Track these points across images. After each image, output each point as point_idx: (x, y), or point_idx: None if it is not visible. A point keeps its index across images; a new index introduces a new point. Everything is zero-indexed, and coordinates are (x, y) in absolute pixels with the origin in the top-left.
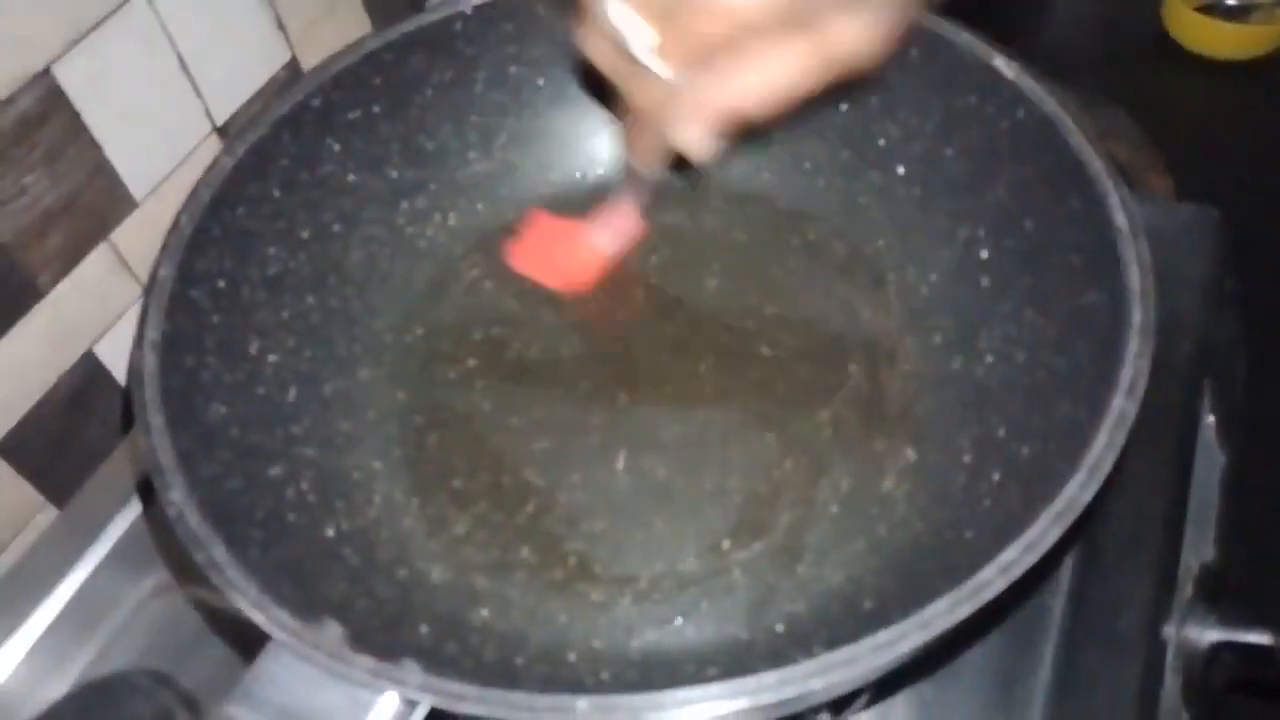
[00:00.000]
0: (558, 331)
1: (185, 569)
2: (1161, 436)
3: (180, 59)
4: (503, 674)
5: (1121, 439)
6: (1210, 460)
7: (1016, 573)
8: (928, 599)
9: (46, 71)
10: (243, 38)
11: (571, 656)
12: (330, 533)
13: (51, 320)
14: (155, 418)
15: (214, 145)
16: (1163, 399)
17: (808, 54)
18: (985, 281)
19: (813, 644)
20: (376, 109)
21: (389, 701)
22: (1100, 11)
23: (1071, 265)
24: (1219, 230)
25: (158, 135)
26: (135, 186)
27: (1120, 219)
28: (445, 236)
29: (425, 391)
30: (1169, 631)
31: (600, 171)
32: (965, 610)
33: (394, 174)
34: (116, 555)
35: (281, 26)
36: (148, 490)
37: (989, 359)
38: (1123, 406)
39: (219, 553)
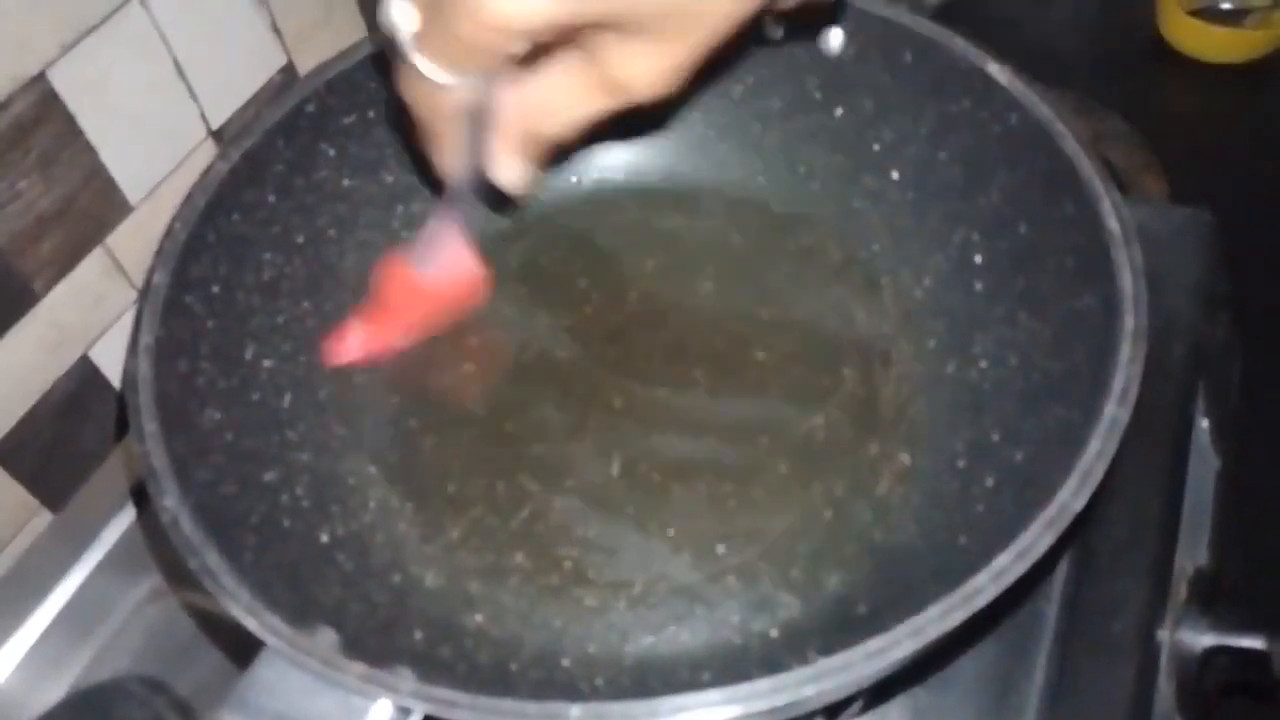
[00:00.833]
0: (552, 336)
1: (179, 574)
2: (1155, 440)
3: (176, 63)
4: (497, 679)
5: (1114, 445)
6: (1205, 464)
7: (1009, 579)
8: (921, 605)
9: (41, 76)
10: (238, 42)
11: (566, 662)
12: (325, 538)
13: (46, 325)
14: (149, 423)
15: (209, 150)
16: (1157, 402)
17: (585, 78)
18: (979, 286)
19: (807, 650)
20: (371, 114)
21: (382, 708)
22: (1094, 16)
23: (1065, 269)
24: (1213, 233)
25: (153, 140)
26: (130, 191)
27: (1113, 223)
28: None
29: (420, 396)
30: (1163, 636)
31: (595, 175)
32: (958, 617)
33: (389, 179)
34: (111, 560)
35: (277, 31)
36: (142, 495)
37: (983, 363)
38: (1115, 413)
39: (213, 558)
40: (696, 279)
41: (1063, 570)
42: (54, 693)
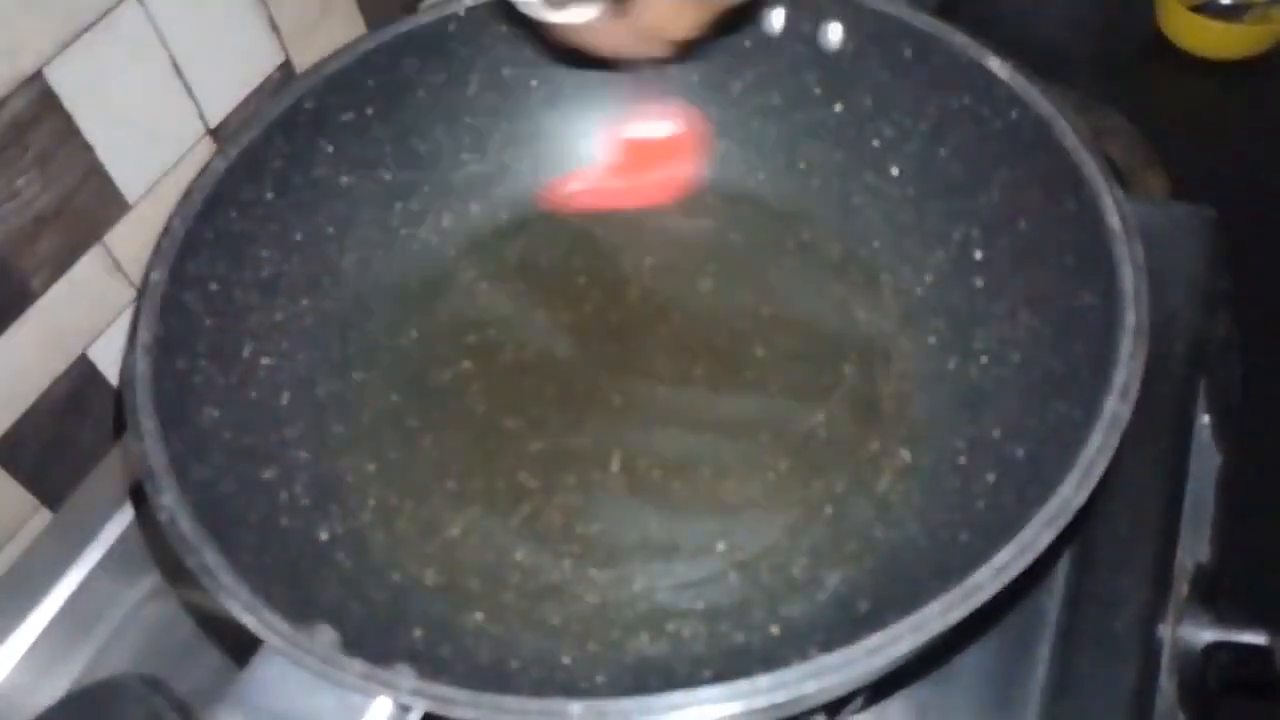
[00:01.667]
0: (552, 333)
1: (178, 573)
2: (1156, 437)
3: (173, 61)
4: (497, 677)
5: (1115, 441)
6: (1206, 460)
7: (1009, 575)
8: (922, 601)
9: (38, 74)
10: (236, 40)
11: (566, 660)
12: (324, 536)
13: (45, 324)
14: (147, 421)
15: (207, 147)
16: (1158, 399)
17: None
18: (980, 282)
19: (807, 646)
20: (370, 111)
21: (382, 706)
22: (1094, 12)
23: (1065, 266)
24: (1214, 229)
25: (151, 138)
26: (128, 189)
27: (1113, 220)
28: (439, 238)
29: (419, 394)
30: (1164, 632)
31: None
32: (958, 613)
33: (387, 176)
34: (110, 559)
35: (275, 28)
36: (141, 494)
37: (984, 360)
38: (1116, 409)
39: (211, 556)
40: (696, 276)
41: (1064, 566)
42: (53, 691)
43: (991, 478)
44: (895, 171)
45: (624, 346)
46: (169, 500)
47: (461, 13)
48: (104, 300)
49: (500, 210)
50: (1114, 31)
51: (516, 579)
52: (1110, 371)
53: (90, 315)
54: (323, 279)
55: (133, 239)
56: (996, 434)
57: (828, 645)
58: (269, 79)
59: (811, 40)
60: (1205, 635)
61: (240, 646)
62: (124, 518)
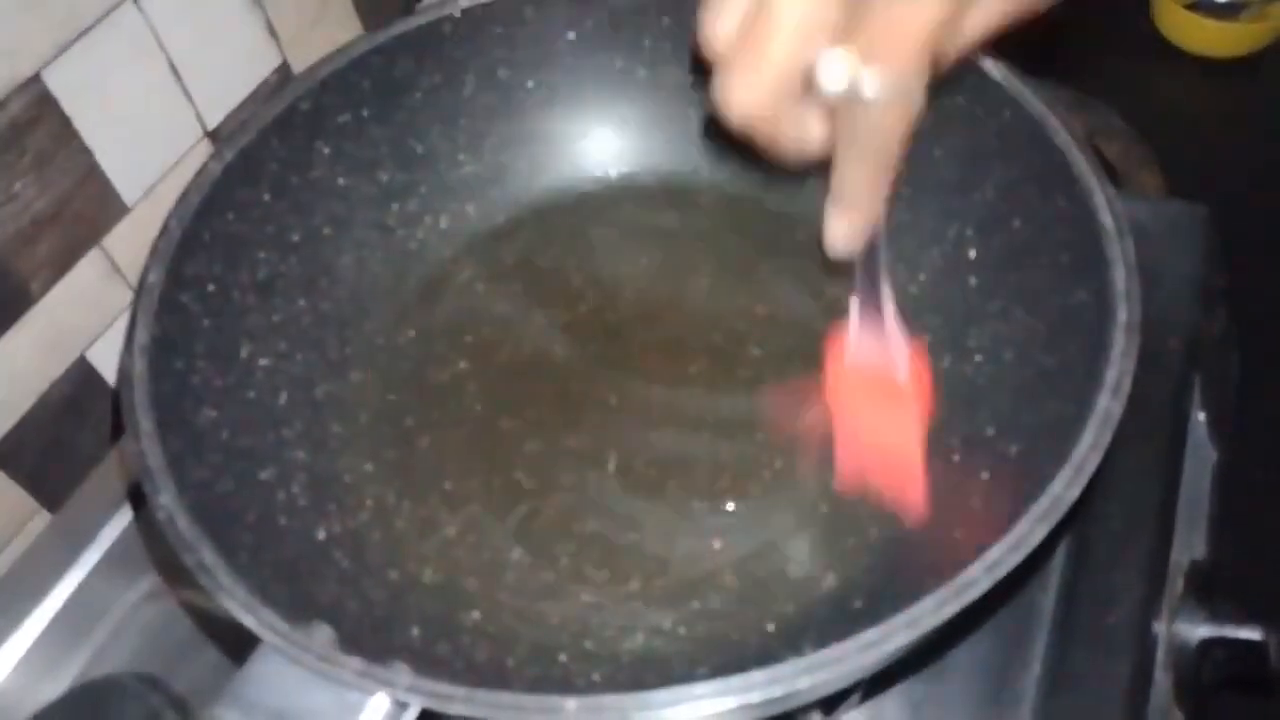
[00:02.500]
0: (548, 333)
1: (177, 574)
2: (1151, 433)
3: (171, 64)
4: (494, 675)
5: (1107, 438)
6: (1201, 457)
7: (1002, 571)
8: (915, 597)
9: (36, 77)
10: (233, 42)
11: (562, 657)
12: (321, 535)
13: (44, 326)
14: (145, 422)
15: (205, 150)
16: (1152, 396)
17: None
18: (973, 281)
19: (802, 643)
20: (366, 112)
21: (379, 703)
22: (1089, 9)
23: (1059, 264)
24: (1209, 227)
25: (149, 140)
26: (126, 192)
27: (1106, 218)
28: (436, 239)
29: (416, 394)
30: (1159, 628)
31: (594, 174)
32: (951, 609)
33: (384, 177)
34: (109, 560)
35: (272, 31)
36: (139, 496)
37: (978, 358)
38: (1108, 405)
39: (209, 556)
40: (692, 275)
41: (1060, 562)
42: (52, 692)
43: (985, 474)
44: None
45: (620, 346)
46: (167, 500)
47: (457, 14)
48: (103, 303)
49: (497, 211)
50: (1109, 29)
51: (513, 577)
52: (1102, 368)
53: (89, 318)
54: (320, 280)
55: (131, 241)
56: (990, 431)
57: (822, 642)
58: (266, 81)
59: None
60: (1200, 631)
61: (238, 645)
62: (123, 519)
